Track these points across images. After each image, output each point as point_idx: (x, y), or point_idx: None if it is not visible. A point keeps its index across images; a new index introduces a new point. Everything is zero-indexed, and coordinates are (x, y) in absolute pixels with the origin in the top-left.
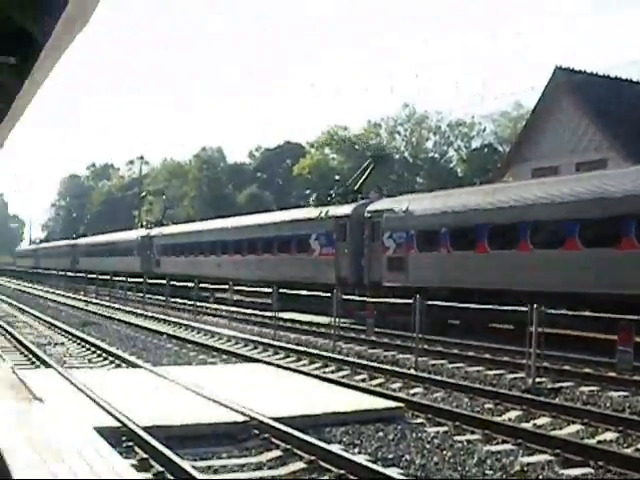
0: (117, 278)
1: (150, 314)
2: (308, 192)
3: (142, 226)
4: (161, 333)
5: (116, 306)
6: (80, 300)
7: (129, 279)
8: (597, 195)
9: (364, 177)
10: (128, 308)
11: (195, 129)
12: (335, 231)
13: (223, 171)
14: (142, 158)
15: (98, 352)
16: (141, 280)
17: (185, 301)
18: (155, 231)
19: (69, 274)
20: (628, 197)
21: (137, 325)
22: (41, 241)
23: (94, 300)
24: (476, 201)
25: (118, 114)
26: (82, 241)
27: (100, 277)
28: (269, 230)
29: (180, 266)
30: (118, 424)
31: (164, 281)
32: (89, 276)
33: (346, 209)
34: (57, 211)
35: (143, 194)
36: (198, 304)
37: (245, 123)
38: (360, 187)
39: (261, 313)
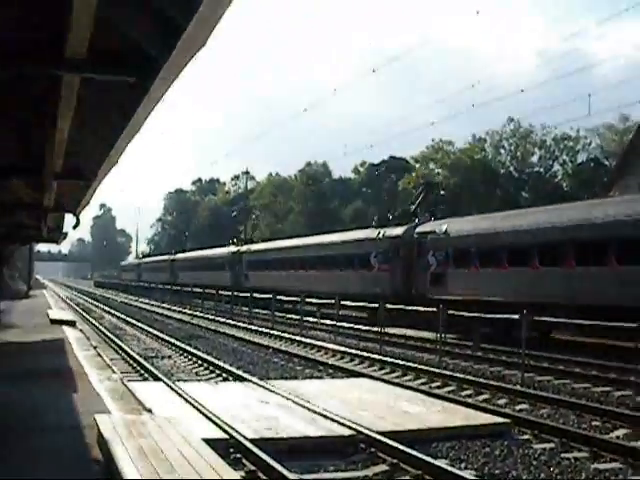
0: (223, 292)
1: (256, 328)
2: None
3: (233, 243)
4: (267, 347)
5: (222, 320)
6: (185, 313)
7: (235, 293)
8: (586, 221)
9: (418, 202)
10: (234, 322)
11: (299, 144)
12: (390, 250)
13: (328, 186)
14: (247, 173)
15: (205, 365)
16: (247, 295)
17: (291, 315)
18: (244, 248)
19: (174, 288)
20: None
21: (243, 339)
22: (143, 256)
23: (199, 314)
24: (496, 225)
25: (223, 129)
26: (180, 256)
27: (206, 291)
28: (337, 248)
29: (264, 280)
30: (226, 436)
31: (269, 295)
32: (194, 290)
33: (399, 230)
34: (163, 225)
35: (234, 213)
36: (304, 318)
37: (350, 139)
38: (415, 210)
39: (366, 328)
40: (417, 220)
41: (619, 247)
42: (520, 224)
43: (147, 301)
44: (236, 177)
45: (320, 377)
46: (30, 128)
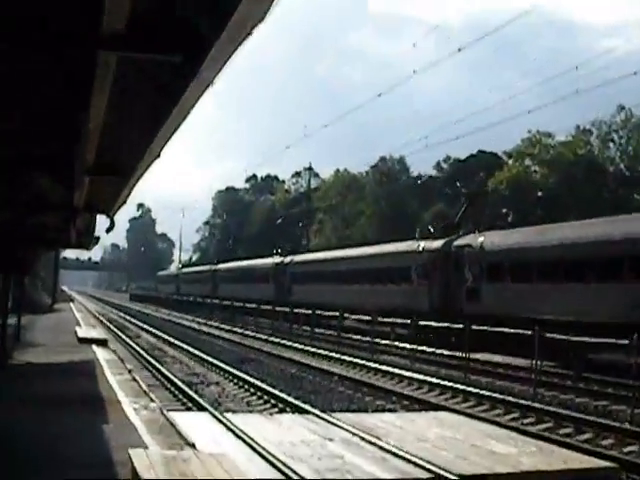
0: (280, 309)
1: (319, 351)
2: (505, 210)
3: (277, 253)
4: (332, 374)
5: (278, 340)
6: (235, 333)
7: (295, 310)
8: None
9: (460, 213)
10: (292, 343)
11: (371, 136)
12: (429, 263)
13: (405, 185)
14: (310, 169)
15: (258, 394)
16: (309, 312)
17: (359, 337)
18: (288, 259)
19: (223, 303)
20: None
21: (304, 363)
22: (183, 265)
23: (252, 333)
24: (527, 240)
25: (280, 121)
26: (222, 266)
27: (262, 307)
28: (378, 261)
29: (307, 294)
30: (282, 477)
31: (334, 313)
32: (246, 305)
33: (438, 243)
34: (211, 230)
35: (277, 221)
36: (375, 341)
37: (431, 129)
38: (459, 222)
39: (449, 353)
40: (460, 232)
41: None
42: (550, 239)
43: (191, 318)
44: (297, 174)
45: (393, 410)
46: (59, 114)
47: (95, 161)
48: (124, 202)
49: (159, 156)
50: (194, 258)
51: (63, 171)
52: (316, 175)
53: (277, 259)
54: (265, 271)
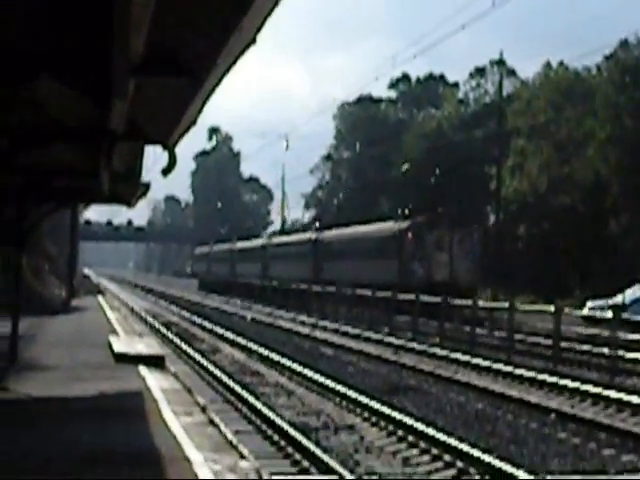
0: (459, 302)
1: (525, 372)
2: None
3: (404, 214)
4: (543, 409)
5: (452, 355)
6: (381, 343)
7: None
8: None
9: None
10: (473, 359)
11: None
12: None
13: None
14: (502, 63)
15: (422, 445)
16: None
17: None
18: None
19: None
20: None
21: (498, 394)
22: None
23: (410, 344)
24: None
25: None
26: (327, 235)
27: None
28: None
29: None
30: None
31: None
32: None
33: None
34: (335, 169)
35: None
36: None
37: None
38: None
39: None
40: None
41: None
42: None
43: (322, 322)
44: (478, 72)
45: None
46: None
47: (145, 52)
48: (193, 123)
49: (254, 41)
50: (307, 217)
51: (90, 71)
52: (511, 73)
53: (393, 225)
54: (379, 241)
